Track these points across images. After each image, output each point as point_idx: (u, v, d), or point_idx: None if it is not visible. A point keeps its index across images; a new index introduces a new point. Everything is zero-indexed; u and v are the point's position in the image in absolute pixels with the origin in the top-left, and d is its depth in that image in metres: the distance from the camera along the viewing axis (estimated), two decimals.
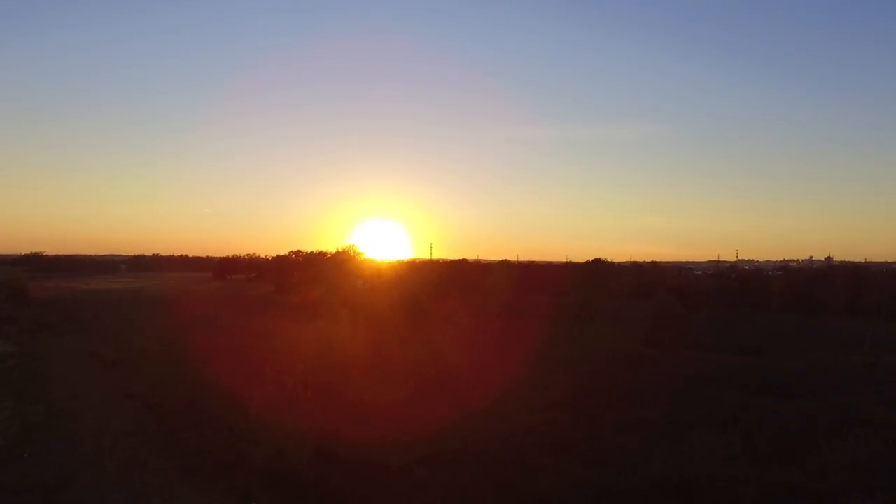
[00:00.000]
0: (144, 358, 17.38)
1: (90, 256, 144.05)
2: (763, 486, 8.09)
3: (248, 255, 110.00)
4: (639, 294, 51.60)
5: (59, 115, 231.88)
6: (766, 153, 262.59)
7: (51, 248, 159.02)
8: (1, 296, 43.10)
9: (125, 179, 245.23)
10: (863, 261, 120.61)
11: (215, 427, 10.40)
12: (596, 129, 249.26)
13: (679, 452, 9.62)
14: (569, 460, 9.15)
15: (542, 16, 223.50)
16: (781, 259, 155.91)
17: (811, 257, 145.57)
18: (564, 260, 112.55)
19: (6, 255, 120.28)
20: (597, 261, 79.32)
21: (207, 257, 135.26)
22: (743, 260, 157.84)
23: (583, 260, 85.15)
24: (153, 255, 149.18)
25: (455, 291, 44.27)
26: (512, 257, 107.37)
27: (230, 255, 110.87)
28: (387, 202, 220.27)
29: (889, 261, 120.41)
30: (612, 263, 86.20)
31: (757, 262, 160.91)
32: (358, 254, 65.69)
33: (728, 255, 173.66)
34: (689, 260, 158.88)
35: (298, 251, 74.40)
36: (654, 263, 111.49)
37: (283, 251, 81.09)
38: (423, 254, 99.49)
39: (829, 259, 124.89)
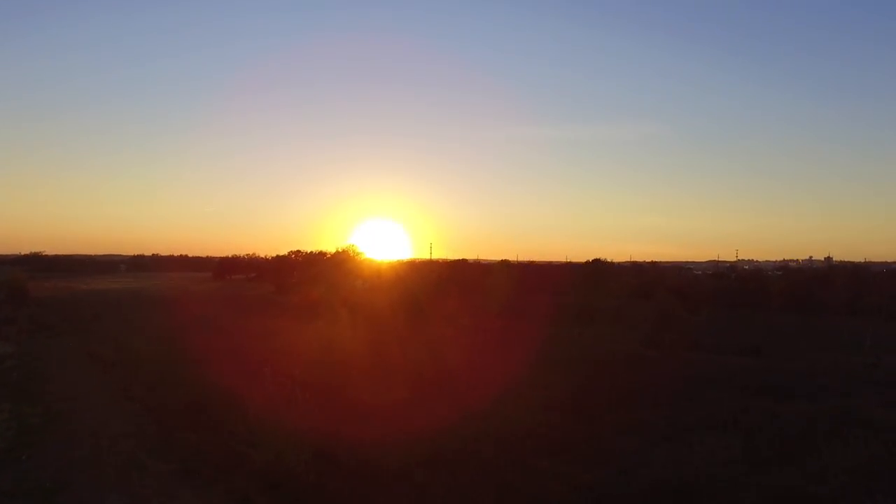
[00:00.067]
0: (143, 359, 17.35)
1: (90, 256, 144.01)
2: (763, 488, 8.07)
3: (247, 255, 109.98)
4: (638, 294, 51.55)
5: (59, 114, 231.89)
6: (766, 153, 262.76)
7: (50, 248, 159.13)
8: (0, 296, 43.07)
9: (125, 179, 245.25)
10: (862, 261, 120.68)
11: (214, 429, 10.37)
12: (596, 129, 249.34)
13: (679, 454, 9.60)
14: (568, 462, 9.13)
15: (542, 16, 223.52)
16: (781, 259, 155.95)
17: (811, 257, 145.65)
18: (564, 260, 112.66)
19: (6, 255, 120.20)
20: (596, 261, 79.28)
21: (207, 257, 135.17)
22: (742, 260, 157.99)
23: (583, 260, 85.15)
24: (153, 254, 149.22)
25: (455, 291, 44.24)
26: (512, 257, 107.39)
27: (230, 255, 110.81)
28: (387, 202, 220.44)
29: (889, 261, 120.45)
30: (611, 263, 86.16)
31: (757, 262, 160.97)
32: (358, 254, 65.70)
33: (728, 255, 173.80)
34: (689, 260, 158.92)
35: (298, 251, 74.41)
36: (653, 263, 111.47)
37: (283, 251, 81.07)
38: (422, 254, 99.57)
39: (828, 259, 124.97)
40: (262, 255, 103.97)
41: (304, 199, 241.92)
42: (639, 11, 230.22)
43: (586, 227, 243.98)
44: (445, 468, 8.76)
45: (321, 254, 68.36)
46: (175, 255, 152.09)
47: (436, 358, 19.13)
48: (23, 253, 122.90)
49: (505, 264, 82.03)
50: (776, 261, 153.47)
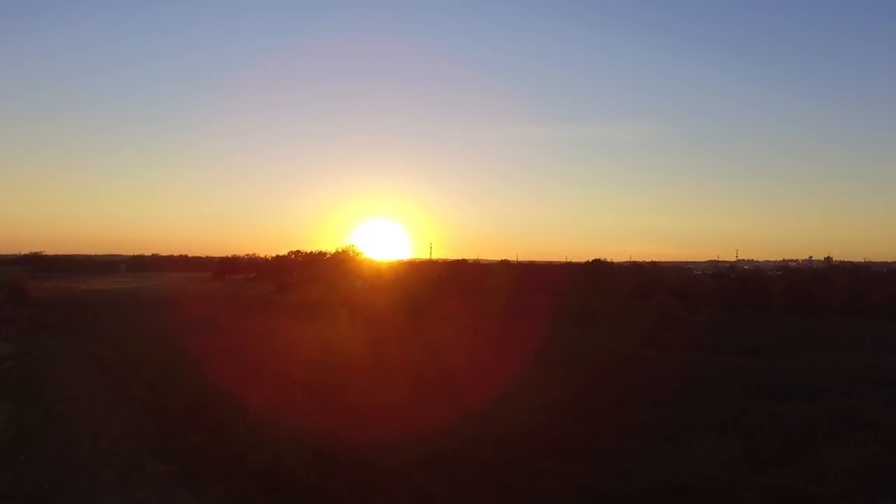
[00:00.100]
0: (143, 359, 17.34)
1: (89, 256, 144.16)
2: (763, 489, 8.06)
3: (247, 255, 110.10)
4: (638, 294, 51.57)
5: (59, 114, 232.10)
6: (766, 153, 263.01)
7: (50, 248, 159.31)
8: (0, 296, 43.07)
9: (125, 179, 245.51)
10: (862, 260, 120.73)
11: (214, 429, 10.36)
12: (596, 129, 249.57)
13: (679, 455, 9.60)
14: (568, 463, 9.12)
15: (542, 16, 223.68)
16: (781, 259, 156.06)
17: (811, 257, 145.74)
18: (564, 260, 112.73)
19: (5, 255, 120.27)
20: (596, 261, 79.34)
21: (207, 257, 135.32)
22: (742, 260, 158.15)
23: (583, 260, 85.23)
24: (153, 254, 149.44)
25: (455, 291, 44.26)
26: (512, 257, 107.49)
27: (230, 255, 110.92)
28: (386, 202, 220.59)
29: (889, 260, 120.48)
30: (611, 263, 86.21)
31: (756, 261, 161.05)
32: (357, 254, 65.76)
33: (728, 255, 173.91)
34: (689, 260, 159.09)
35: (298, 251, 74.46)
36: (653, 263, 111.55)
37: (283, 251, 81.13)
38: (422, 254, 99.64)
39: (828, 259, 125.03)
40: (262, 255, 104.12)
41: (304, 199, 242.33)
42: (639, 11, 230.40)
43: (586, 227, 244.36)
44: (445, 469, 8.75)
45: (321, 254, 68.43)
46: (175, 255, 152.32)
47: (436, 358, 19.12)
48: (23, 253, 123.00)
49: (505, 264, 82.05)
50: (776, 261, 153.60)
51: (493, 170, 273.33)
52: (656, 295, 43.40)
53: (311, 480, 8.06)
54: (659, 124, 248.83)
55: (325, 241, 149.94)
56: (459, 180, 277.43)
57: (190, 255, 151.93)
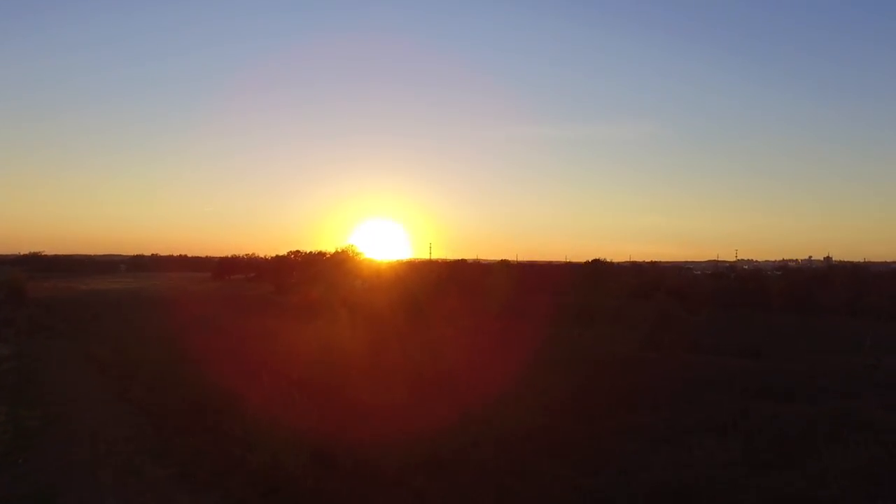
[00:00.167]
0: (142, 360, 17.31)
1: (89, 256, 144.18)
2: (763, 491, 8.04)
3: (247, 255, 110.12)
4: (638, 294, 51.56)
5: (59, 114, 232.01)
6: (766, 153, 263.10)
7: (50, 248, 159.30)
8: None
9: (124, 179, 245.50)
10: (862, 260, 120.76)
11: (213, 431, 10.33)
12: (596, 129, 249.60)
13: (678, 457, 9.57)
14: (568, 465, 9.10)
15: (542, 16, 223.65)
16: (780, 259, 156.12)
17: (810, 257, 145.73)
18: (564, 260, 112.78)
19: (5, 255, 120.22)
20: (596, 261, 79.35)
21: (206, 257, 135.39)
22: (742, 260, 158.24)
23: (582, 260, 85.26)
24: (152, 254, 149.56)
25: (455, 291, 44.24)
26: (511, 257, 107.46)
27: (229, 255, 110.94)
28: (386, 202, 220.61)
29: (889, 260, 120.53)
30: (611, 263, 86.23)
31: (756, 261, 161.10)
32: (357, 254, 65.77)
33: (727, 255, 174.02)
34: (689, 260, 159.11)
35: (297, 251, 74.50)
36: (653, 263, 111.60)
37: (283, 251, 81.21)
38: (422, 254, 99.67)
39: (828, 259, 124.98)
40: (262, 255, 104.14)
41: (304, 199, 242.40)
42: (639, 11, 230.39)
43: (586, 227, 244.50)
44: (445, 470, 8.73)
45: (321, 254, 68.45)
46: (175, 255, 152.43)
47: (435, 358, 19.10)
48: (22, 253, 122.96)
49: (504, 264, 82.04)
50: (776, 261, 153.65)
51: (493, 170, 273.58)
52: (656, 295, 43.38)
53: (309, 482, 8.03)
54: (659, 124, 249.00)
55: (324, 241, 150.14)
56: (459, 180, 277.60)
57: (190, 255, 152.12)
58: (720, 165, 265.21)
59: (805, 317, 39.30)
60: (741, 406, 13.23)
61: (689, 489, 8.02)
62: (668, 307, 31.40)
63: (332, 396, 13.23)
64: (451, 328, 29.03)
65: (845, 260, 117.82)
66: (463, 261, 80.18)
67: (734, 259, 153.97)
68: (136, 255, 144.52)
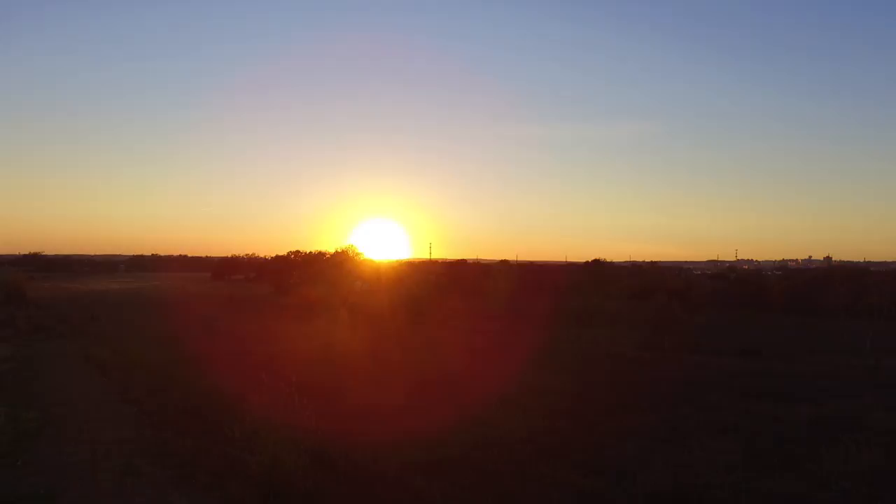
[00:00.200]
0: (142, 361, 17.28)
1: (89, 256, 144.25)
2: (763, 494, 8.02)
3: (247, 255, 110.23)
4: (638, 295, 51.54)
5: (59, 114, 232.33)
6: (766, 153, 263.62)
7: (50, 248, 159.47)
8: None
9: (124, 179, 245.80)
10: (862, 260, 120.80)
11: (211, 433, 10.30)
12: (596, 129, 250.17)
13: (679, 459, 9.55)
14: (568, 468, 9.07)
15: (541, 15, 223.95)
16: (780, 259, 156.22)
17: (810, 257, 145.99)
18: (564, 260, 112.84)
19: (5, 256, 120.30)
20: (596, 261, 79.35)
21: (206, 257, 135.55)
22: (742, 259, 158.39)
23: (582, 260, 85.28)
24: (152, 254, 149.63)
25: (454, 292, 44.22)
26: (511, 257, 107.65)
27: (229, 255, 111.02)
28: (386, 202, 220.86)
29: (889, 260, 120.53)
30: (611, 264, 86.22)
31: (756, 261, 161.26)
32: (357, 254, 65.75)
33: (727, 255, 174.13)
34: (688, 259, 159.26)
35: (297, 251, 74.42)
36: (653, 263, 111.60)
37: (283, 251, 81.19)
38: (422, 254, 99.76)
39: (828, 259, 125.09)
40: (262, 256, 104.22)
41: (304, 199, 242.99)
42: (639, 11, 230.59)
43: (586, 227, 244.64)
44: (444, 473, 8.71)
45: (321, 254, 68.40)
46: (174, 255, 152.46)
47: (435, 360, 19.09)
48: (22, 253, 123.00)
49: (504, 264, 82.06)
50: (775, 261, 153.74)
51: (493, 170, 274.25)
52: (656, 296, 43.34)
53: (308, 485, 8.00)
54: (659, 124, 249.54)
55: (324, 241, 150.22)
56: (460, 180, 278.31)
57: (190, 255, 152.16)
58: (720, 165, 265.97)
59: (805, 317, 39.28)
60: (742, 407, 13.23)
61: (689, 492, 7.99)
62: (668, 308, 31.40)
63: (332, 397, 13.20)
64: (450, 329, 29.01)
65: (845, 260, 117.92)
66: (463, 261, 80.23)
67: (734, 259, 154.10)
68: (136, 256, 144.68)
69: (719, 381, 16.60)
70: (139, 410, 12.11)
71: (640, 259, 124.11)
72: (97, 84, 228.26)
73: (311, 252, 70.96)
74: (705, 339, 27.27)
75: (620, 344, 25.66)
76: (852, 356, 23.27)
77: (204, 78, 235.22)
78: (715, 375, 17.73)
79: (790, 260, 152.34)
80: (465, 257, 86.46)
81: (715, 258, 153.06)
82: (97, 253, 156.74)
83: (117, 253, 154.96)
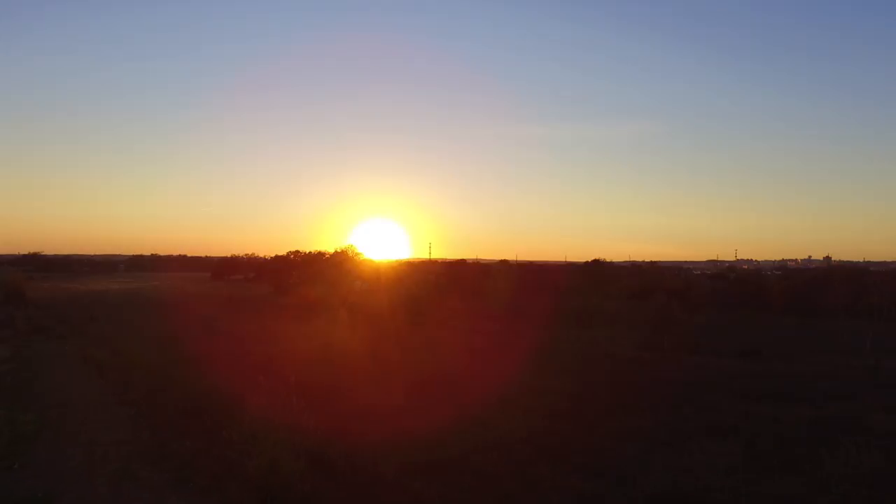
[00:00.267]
0: (140, 362, 17.23)
1: (89, 256, 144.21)
2: (763, 497, 7.99)
3: (246, 255, 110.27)
4: (638, 295, 51.51)
5: (58, 114, 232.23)
6: (766, 153, 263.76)
7: (49, 248, 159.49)
8: None
9: (124, 179, 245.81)
10: (861, 260, 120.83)
11: (209, 435, 10.26)
12: (596, 129, 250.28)
13: (679, 461, 9.52)
14: (568, 470, 9.04)
15: (541, 15, 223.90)
16: (780, 259, 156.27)
17: (810, 257, 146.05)
18: (564, 259, 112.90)
19: (4, 256, 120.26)
20: (596, 261, 79.33)
21: (206, 257, 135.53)
22: (741, 259, 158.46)
23: (582, 260, 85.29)
24: (152, 254, 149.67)
25: (454, 292, 44.21)
26: (511, 257, 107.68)
27: (229, 255, 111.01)
28: (386, 202, 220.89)
29: (889, 260, 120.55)
30: (611, 264, 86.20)
31: (755, 261, 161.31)
32: (357, 254, 65.72)
33: (727, 255, 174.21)
34: (688, 259, 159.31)
35: (297, 251, 74.36)
36: (653, 263, 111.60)
37: (282, 251, 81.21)
38: (422, 253, 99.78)
39: (827, 259, 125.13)
40: (262, 256, 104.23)
41: (304, 199, 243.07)
42: (639, 12, 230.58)
43: (586, 227, 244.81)
44: (443, 474, 8.67)
45: (320, 254, 68.36)
46: (174, 255, 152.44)
47: (435, 360, 19.06)
48: (22, 253, 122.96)
49: (504, 264, 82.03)
50: (775, 260, 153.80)
51: (493, 170, 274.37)
52: (656, 296, 43.32)
53: (306, 487, 7.96)
54: (659, 124, 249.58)
55: (324, 241, 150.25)
56: (459, 180, 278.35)
57: (189, 255, 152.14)
58: (720, 165, 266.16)
59: (805, 317, 39.27)
60: (742, 409, 13.19)
61: (688, 495, 7.96)
62: (668, 308, 31.38)
63: (331, 398, 13.16)
64: (450, 329, 28.99)
65: (845, 260, 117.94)
66: (463, 261, 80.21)
67: (734, 259, 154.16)
68: (136, 256, 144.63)
69: (719, 382, 16.57)
70: (137, 412, 12.08)
71: (639, 259, 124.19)
72: (97, 84, 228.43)
73: (310, 252, 70.97)
74: (705, 340, 27.25)
75: (620, 344, 25.63)
76: (852, 356, 23.25)
77: (204, 78, 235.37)
78: (715, 376, 17.70)
79: (790, 260, 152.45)
80: (464, 257, 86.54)
81: (715, 258, 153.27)
82: (97, 253, 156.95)
83: (117, 253, 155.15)
